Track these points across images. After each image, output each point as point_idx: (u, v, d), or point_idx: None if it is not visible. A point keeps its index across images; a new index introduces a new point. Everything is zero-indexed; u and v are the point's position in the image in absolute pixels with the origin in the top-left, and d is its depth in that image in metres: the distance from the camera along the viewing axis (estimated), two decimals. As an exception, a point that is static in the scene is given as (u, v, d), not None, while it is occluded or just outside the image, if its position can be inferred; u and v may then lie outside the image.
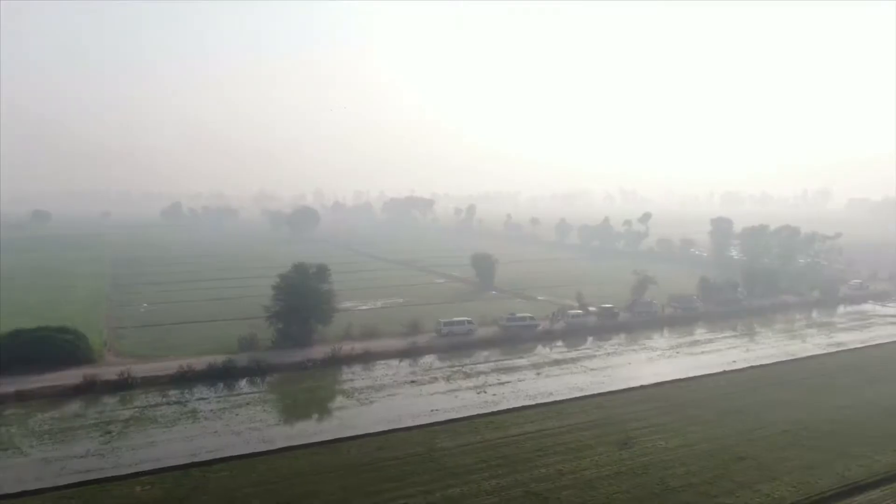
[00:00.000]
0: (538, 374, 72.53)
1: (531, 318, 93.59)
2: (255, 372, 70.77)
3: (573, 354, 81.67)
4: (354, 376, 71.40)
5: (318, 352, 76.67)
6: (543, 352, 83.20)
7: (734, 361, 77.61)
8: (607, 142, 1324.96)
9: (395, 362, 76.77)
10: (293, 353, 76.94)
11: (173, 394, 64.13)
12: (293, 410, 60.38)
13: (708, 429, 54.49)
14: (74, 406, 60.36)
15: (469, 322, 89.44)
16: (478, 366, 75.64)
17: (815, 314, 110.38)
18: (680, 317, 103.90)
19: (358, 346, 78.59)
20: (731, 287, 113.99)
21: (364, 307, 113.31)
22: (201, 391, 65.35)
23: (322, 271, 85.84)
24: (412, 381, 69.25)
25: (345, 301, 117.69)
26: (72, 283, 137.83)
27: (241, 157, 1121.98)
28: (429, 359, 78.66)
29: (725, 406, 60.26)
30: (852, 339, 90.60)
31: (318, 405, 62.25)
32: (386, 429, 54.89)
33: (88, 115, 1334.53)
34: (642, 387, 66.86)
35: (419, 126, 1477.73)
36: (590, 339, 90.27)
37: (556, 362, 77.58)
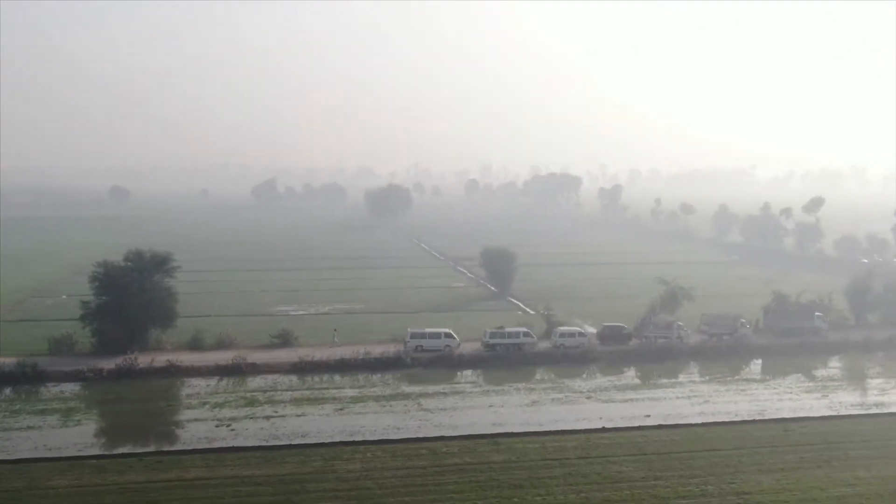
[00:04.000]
0: (339, 409, 70.27)
1: (526, 333, 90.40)
2: (20, 379, 77.38)
3: (439, 388, 77.73)
4: (124, 394, 75.13)
5: (112, 362, 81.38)
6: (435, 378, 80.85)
7: (647, 416, 68.39)
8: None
9: (198, 381, 79.02)
10: (92, 360, 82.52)
11: None
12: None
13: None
14: None
15: (447, 335, 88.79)
16: (282, 393, 75.33)
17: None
18: (707, 347, 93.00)
19: (163, 359, 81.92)
20: (806, 311, 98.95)
21: (299, 312, 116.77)
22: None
23: (161, 262, 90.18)
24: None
25: (284, 304, 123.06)
26: (33, 268, 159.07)
27: (400, 129, 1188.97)
28: (264, 379, 79.76)
29: (504, 479, 53.53)
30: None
31: (13, 423, 66.75)
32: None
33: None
34: (440, 438, 62.10)
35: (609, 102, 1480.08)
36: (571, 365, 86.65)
37: (391, 397, 74.31)
